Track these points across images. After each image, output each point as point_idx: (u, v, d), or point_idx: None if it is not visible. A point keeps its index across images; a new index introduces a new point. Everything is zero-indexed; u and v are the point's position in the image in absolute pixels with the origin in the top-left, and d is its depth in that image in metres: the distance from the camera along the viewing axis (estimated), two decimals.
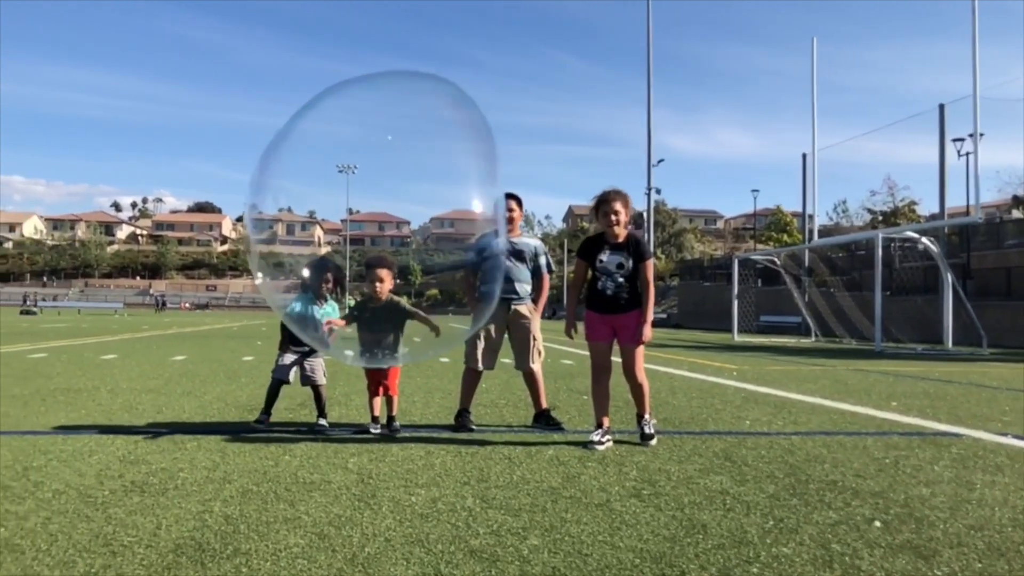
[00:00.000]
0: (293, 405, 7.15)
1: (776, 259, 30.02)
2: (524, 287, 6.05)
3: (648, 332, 5.25)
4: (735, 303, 27.06)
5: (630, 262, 5.25)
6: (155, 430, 5.70)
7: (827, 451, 5.25)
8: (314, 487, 4.02)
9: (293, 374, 5.92)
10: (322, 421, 5.86)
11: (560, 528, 3.35)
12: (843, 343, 24.57)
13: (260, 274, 5.31)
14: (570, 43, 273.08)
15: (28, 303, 67.64)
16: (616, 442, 5.37)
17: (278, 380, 5.88)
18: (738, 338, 26.20)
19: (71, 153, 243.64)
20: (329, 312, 5.72)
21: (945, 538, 3.31)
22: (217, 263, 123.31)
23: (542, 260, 6.13)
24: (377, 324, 5.53)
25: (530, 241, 6.13)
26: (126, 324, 33.92)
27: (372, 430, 5.66)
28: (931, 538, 3.30)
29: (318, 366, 5.96)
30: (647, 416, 5.38)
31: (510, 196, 6.08)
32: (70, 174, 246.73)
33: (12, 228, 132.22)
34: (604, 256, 5.27)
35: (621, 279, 5.25)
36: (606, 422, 5.36)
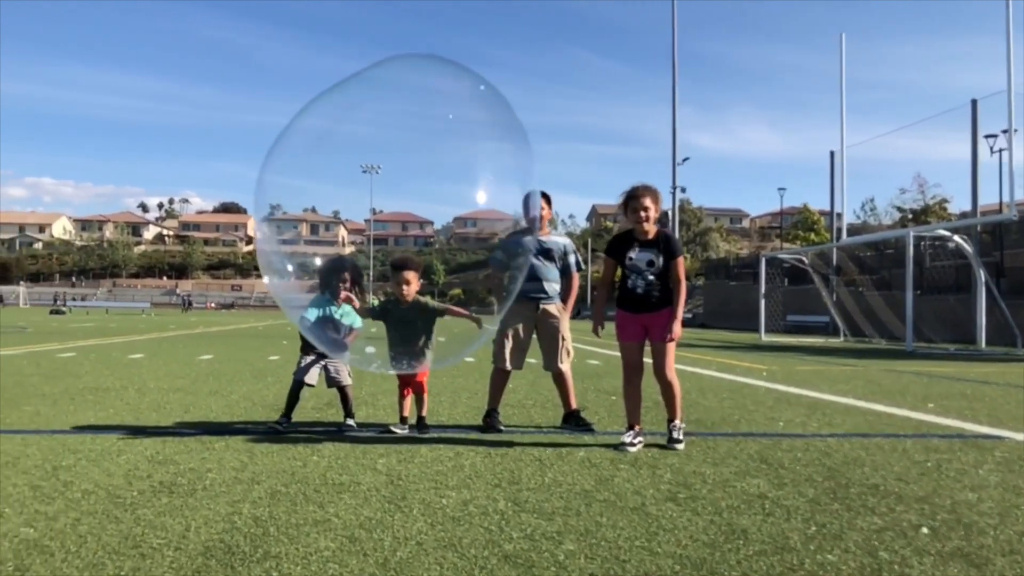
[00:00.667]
0: (320, 404, 7.12)
1: (804, 258, 29.65)
2: (553, 286, 5.97)
3: (678, 329, 5.14)
4: (762, 302, 26.78)
5: (660, 259, 5.14)
6: (183, 430, 5.68)
7: (865, 454, 5.12)
8: (343, 488, 3.96)
9: (316, 376, 5.86)
10: (349, 421, 5.81)
11: (596, 533, 3.26)
12: (873, 343, 24.22)
13: (267, 277, 5.32)
14: (593, 41, 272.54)
15: (58, 303, 68.58)
16: (647, 444, 5.27)
17: (298, 382, 5.82)
18: (765, 338, 25.93)
19: (99, 155, 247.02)
20: (347, 311, 5.64)
21: (996, 545, 3.18)
22: (242, 263, 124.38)
23: (571, 259, 6.04)
24: (405, 327, 5.41)
25: (559, 240, 6.04)
26: (153, 324, 34.24)
27: (395, 430, 5.59)
28: (982, 545, 3.17)
29: (342, 367, 5.89)
30: (677, 421, 5.26)
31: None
32: (98, 175, 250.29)
33: (42, 229, 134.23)
34: (634, 253, 5.17)
35: (651, 277, 5.14)
36: (638, 423, 5.26)
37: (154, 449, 4.88)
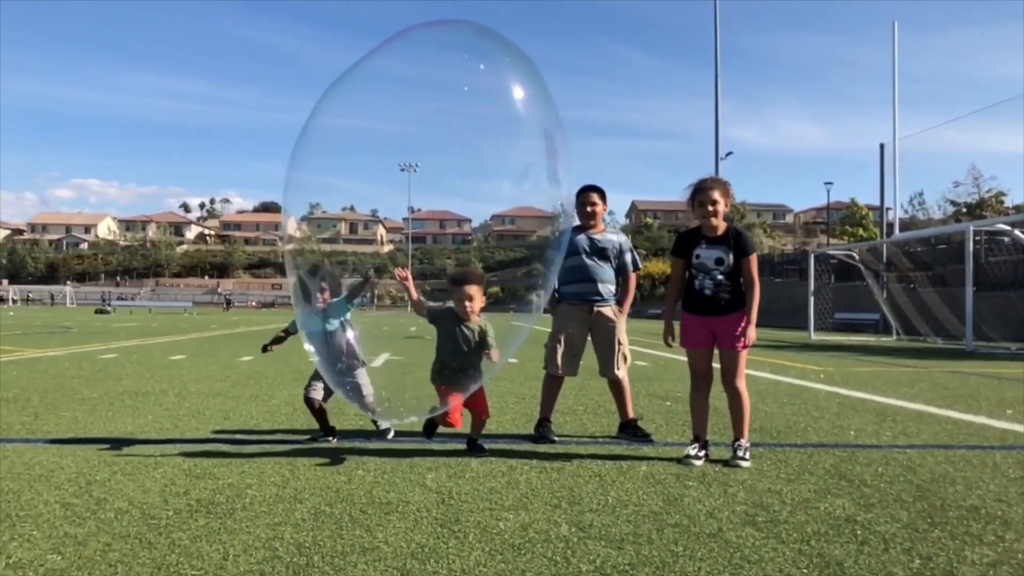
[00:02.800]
0: None
1: (855, 254, 28.80)
2: (608, 287, 5.61)
3: (752, 334, 4.76)
4: (811, 300, 26.06)
5: (730, 257, 4.76)
6: (222, 438, 5.45)
7: (953, 469, 4.70)
8: (391, 509, 3.66)
9: (323, 390, 5.41)
10: (382, 424, 5.57)
11: (673, 565, 2.93)
12: (928, 342, 23.39)
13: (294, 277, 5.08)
14: (633, 37, 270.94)
15: (104, 302, 69.78)
16: (711, 459, 4.90)
17: (307, 400, 5.46)
18: (815, 336, 25.19)
19: (143, 156, 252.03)
20: (334, 321, 5.28)
21: None
22: (282, 262, 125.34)
23: (627, 257, 5.67)
24: (461, 342, 4.75)
25: (613, 237, 5.68)
26: (195, 323, 34.49)
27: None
28: None
29: (361, 378, 5.31)
30: (743, 440, 4.86)
31: (592, 189, 5.66)
32: (142, 176, 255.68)
33: (87, 229, 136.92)
34: (701, 251, 4.79)
35: (720, 276, 4.76)
36: (704, 436, 4.90)
37: (192, 461, 4.64)
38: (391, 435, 5.57)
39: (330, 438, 5.47)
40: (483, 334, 4.76)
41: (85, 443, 5.24)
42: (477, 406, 5.00)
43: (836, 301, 30.98)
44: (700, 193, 4.76)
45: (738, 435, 4.87)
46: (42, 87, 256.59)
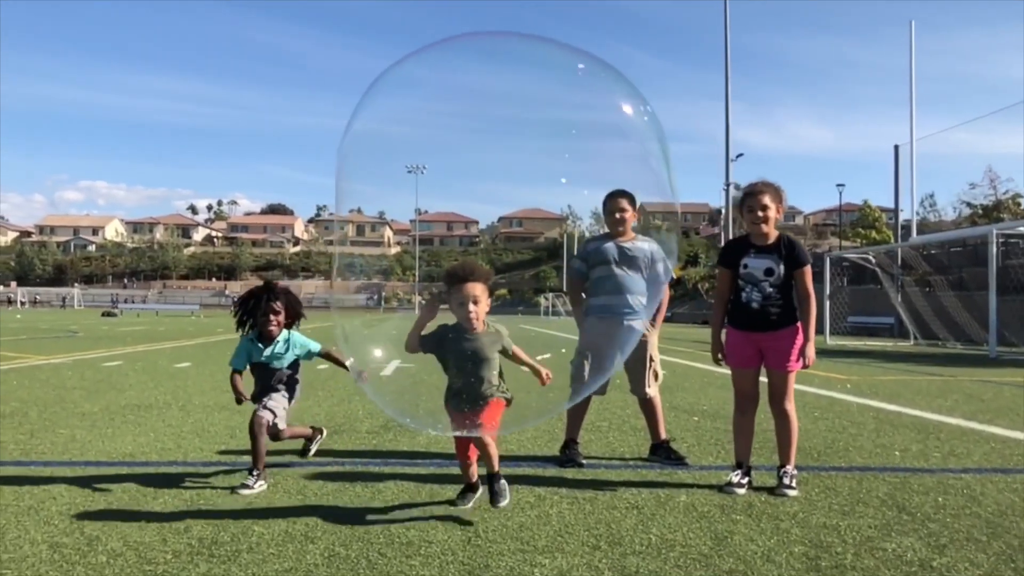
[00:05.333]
0: (376, 427, 6.52)
1: (871, 257, 28.31)
2: (639, 299, 5.22)
3: (812, 353, 4.38)
4: (827, 304, 25.58)
5: (781, 267, 4.38)
6: (227, 461, 5.10)
7: (1019, 499, 4.32)
8: (413, 551, 3.31)
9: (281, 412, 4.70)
10: (248, 482, 4.29)
11: None
12: (947, 347, 22.93)
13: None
14: (641, 39, 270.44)
15: (114, 304, 69.66)
16: (754, 486, 4.53)
17: (272, 434, 4.70)
18: (830, 341, 24.73)
19: (151, 158, 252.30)
20: (280, 350, 4.66)
21: None
22: (290, 264, 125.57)
23: (660, 267, 5.28)
24: (470, 363, 3.81)
25: (645, 245, 5.29)
26: (202, 327, 34.22)
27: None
28: None
29: (278, 407, 4.66)
30: (789, 467, 4.49)
31: (621, 194, 5.27)
32: (150, 179, 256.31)
33: (95, 231, 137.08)
34: (749, 260, 4.41)
35: (770, 289, 4.39)
36: (747, 461, 4.53)
37: (194, 490, 4.29)
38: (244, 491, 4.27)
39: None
40: (497, 337, 3.88)
41: (81, 466, 4.90)
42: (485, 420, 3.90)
43: (850, 304, 30.51)
44: (749, 198, 4.38)
45: (784, 461, 4.50)
46: (51, 89, 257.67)
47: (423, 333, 3.82)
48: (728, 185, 33.24)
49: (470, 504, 3.98)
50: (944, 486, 4.62)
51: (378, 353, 4.22)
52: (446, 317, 3.88)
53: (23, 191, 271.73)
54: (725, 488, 4.40)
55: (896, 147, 30.49)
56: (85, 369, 11.81)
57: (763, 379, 4.60)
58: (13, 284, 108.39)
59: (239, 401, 4.73)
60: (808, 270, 4.41)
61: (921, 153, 29.89)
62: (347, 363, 4.17)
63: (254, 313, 4.68)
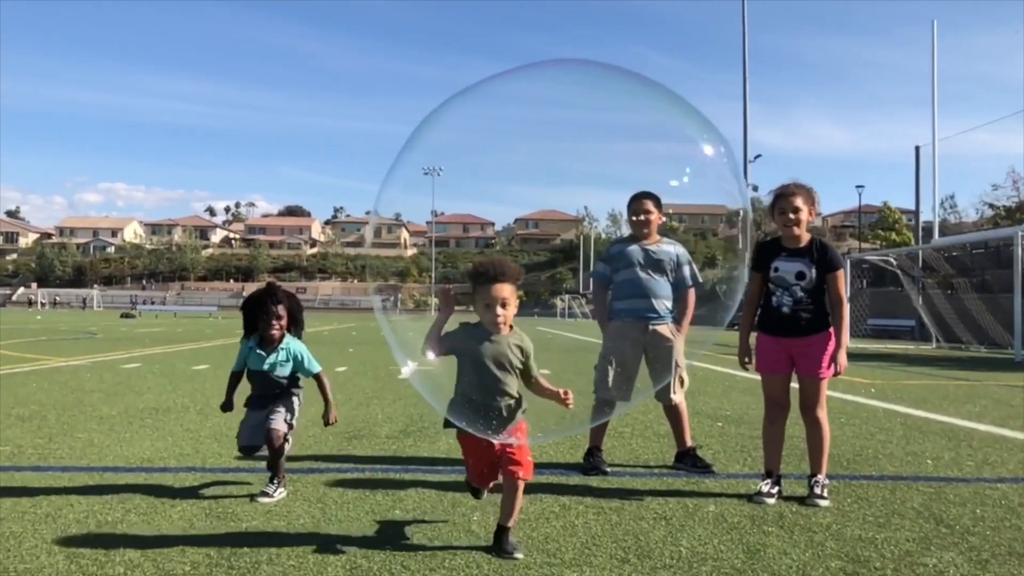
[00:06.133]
0: (395, 432, 6.44)
1: (892, 259, 27.99)
2: (664, 304, 5.12)
3: (844, 360, 4.27)
4: (847, 306, 25.35)
5: (813, 271, 4.25)
6: (246, 467, 5.03)
7: None
8: (436, 562, 3.22)
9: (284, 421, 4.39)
10: (268, 491, 4.23)
11: None
12: (971, 350, 22.61)
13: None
14: (655, 38, 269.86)
15: (134, 306, 70.17)
16: (784, 496, 4.41)
17: (245, 455, 4.51)
18: (851, 344, 24.48)
19: (169, 160, 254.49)
20: (283, 359, 4.42)
21: None
22: (307, 265, 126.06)
23: (686, 271, 5.17)
24: (492, 369, 3.32)
25: (670, 248, 5.18)
26: (220, 328, 34.28)
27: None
28: None
29: (279, 410, 4.39)
30: (821, 476, 4.37)
31: (645, 196, 5.17)
32: (168, 180, 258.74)
33: (114, 233, 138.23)
34: (780, 263, 4.29)
35: (801, 293, 4.26)
36: (777, 470, 4.42)
37: (213, 499, 4.22)
38: (270, 500, 4.18)
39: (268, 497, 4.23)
40: (521, 346, 3.39)
41: (99, 471, 4.85)
42: (520, 459, 3.41)
43: (870, 307, 30.21)
44: (781, 200, 4.27)
45: (815, 470, 4.38)
46: (71, 92, 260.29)
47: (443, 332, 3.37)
48: (746, 186, 32.99)
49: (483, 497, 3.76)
50: (980, 497, 4.48)
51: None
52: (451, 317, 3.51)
53: (44, 193, 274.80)
54: (755, 498, 4.28)
55: (917, 148, 30.19)
56: (104, 371, 11.81)
57: (793, 385, 4.49)
58: (34, 285, 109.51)
59: (225, 406, 4.55)
60: (841, 274, 4.30)
61: (941, 154, 29.58)
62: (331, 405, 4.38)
63: (256, 317, 4.49)
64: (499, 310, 3.30)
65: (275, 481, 4.27)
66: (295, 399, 4.52)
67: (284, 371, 4.47)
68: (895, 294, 30.99)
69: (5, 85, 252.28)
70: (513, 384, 3.36)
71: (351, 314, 76.82)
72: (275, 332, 4.44)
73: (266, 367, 4.43)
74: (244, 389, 4.58)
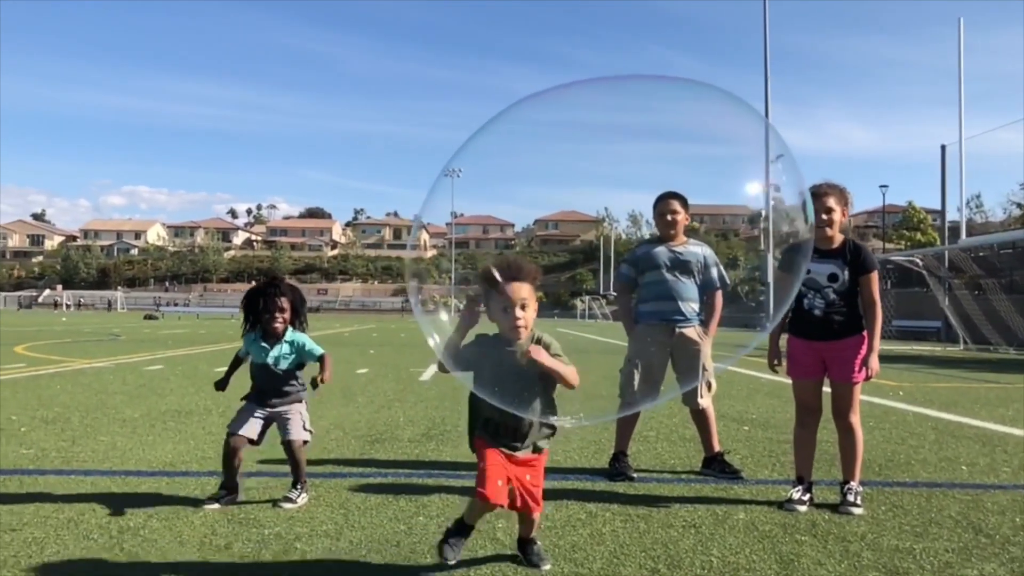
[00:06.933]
0: (417, 435, 6.39)
1: (918, 259, 27.61)
2: (691, 306, 5.02)
3: (875, 364, 4.16)
4: (880, 309, 25.01)
5: (846, 273, 4.15)
6: (267, 471, 4.99)
7: None
8: (461, 572, 3.15)
9: (257, 429, 4.29)
10: (287, 504, 4.10)
11: None
12: (999, 352, 22.26)
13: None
14: (673, 38, 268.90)
15: (157, 307, 70.79)
16: (816, 503, 4.30)
17: (232, 436, 4.23)
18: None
19: (192, 163, 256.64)
20: (286, 352, 4.34)
21: None
22: (328, 267, 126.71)
23: (713, 272, 5.07)
24: (512, 381, 2.95)
25: (697, 249, 5.08)
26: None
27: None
28: None
29: (294, 415, 4.35)
30: (854, 484, 4.25)
31: (672, 196, 5.08)
32: (190, 183, 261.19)
33: (138, 235, 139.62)
34: (811, 265, 4.19)
35: (834, 296, 4.16)
36: (808, 477, 4.31)
37: (235, 504, 4.17)
38: (294, 506, 4.13)
39: (218, 501, 4.10)
40: (544, 349, 3.01)
41: (121, 475, 4.82)
42: (527, 489, 3.11)
43: (895, 308, 29.83)
44: (813, 200, 4.16)
45: (848, 477, 4.26)
46: (95, 96, 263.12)
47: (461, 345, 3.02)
48: (768, 187, 32.68)
49: (458, 554, 3.17)
50: (1020, 505, 4.35)
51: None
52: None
53: (69, 196, 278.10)
54: (786, 505, 4.18)
55: (943, 147, 29.75)
56: (127, 373, 11.86)
57: (824, 390, 4.39)
58: (59, 287, 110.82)
59: (219, 384, 4.48)
60: (875, 276, 4.19)
61: (967, 153, 29.12)
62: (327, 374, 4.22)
63: (259, 310, 4.37)
64: (518, 312, 2.97)
65: (298, 487, 4.23)
66: (303, 404, 4.44)
67: (287, 364, 4.38)
68: (921, 295, 30.58)
69: (33, 89, 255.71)
70: (538, 400, 3.03)
71: (371, 315, 77.03)
72: (278, 325, 4.35)
73: (269, 360, 4.34)
74: (243, 387, 4.49)
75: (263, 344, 4.38)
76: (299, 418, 4.34)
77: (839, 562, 3.32)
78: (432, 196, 3.43)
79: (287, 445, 4.24)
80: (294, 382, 4.43)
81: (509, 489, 3.05)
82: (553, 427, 3.15)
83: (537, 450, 3.14)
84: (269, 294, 4.37)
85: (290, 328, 4.43)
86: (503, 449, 3.05)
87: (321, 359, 4.43)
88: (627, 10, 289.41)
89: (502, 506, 3.03)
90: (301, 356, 4.43)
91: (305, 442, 4.30)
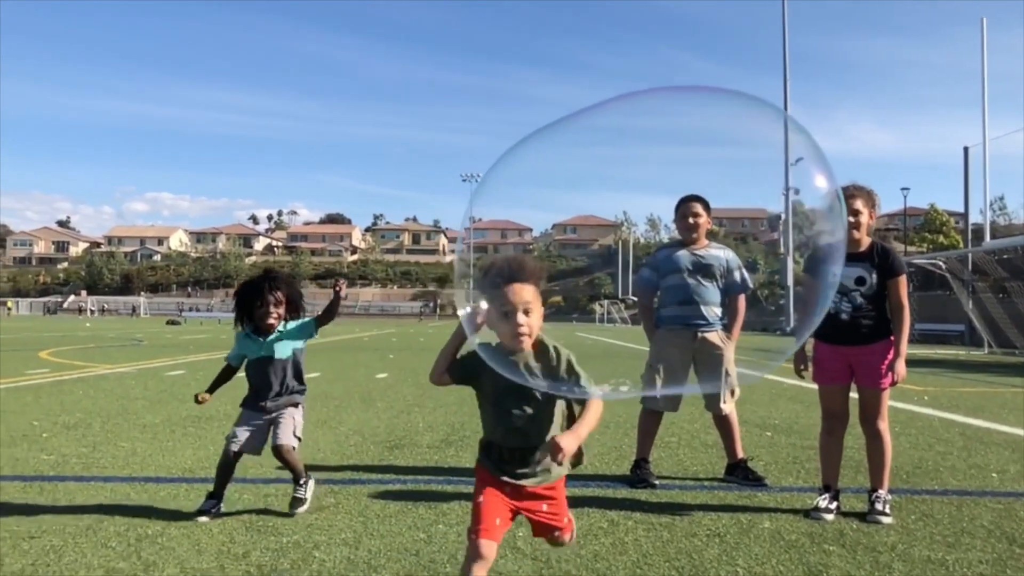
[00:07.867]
0: (436, 441, 6.34)
1: (941, 262, 27.28)
2: (713, 310, 4.95)
3: (902, 369, 4.07)
4: (908, 313, 24.72)
5: (873, 277, 4.07)
6: (287, 477, 4.92)
7: None
8: None
9: (247, 439, 4.21)
10: (298, 494, 4.10)
11: None
12: None
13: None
14: (691, 41, 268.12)
15: (181, 312, 71.32)
16: (842, 511, 4.21)
17: (231, 453, 4.16)
18: None
19: (214, 169, 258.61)
20: (278, 337, 4.14)
21: None
22: (347, 272, 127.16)
23: (736, 276, 5.00)
24: (515, 399, 2.51)
25: (719, 253, 5.02)
26: None
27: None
28: None
29: (286, 418, 4.20)
30: (882, 492, 4.16)
31: (694, 199, 5.01)
32: (212, 190, 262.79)
33: (160, 242, 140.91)
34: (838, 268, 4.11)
35: (861, 300, 4.08)
36: (835, 485, 4.22)
37: (253, 511, 4.15)
38: (304, 502, 4.12)
39: (207, 513, 3.99)
40: (552, 357, 2.53)
41: (141, 482, 4.82)
42: (558, 527, 2.65)
43: (918, 311, 29.49)
44: None
45: (876, 485, 4.17)
46: (117, 104, 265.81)
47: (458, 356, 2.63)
48: (787, 190, 32.46)
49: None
50: None
51: None
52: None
53: (93, 203, 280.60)
54: (812, 513, 4.09)
55: (966, 149, 29.37)
56: (148, 379, 11.92)
57: (852, 395, 4.30)
58: (83, 293, 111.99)
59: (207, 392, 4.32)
60: (903, 280, 4.10)
61: (990, 154, 28.74)
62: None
63: (252, 305, 4.15)
64: (520, 318, 2.45)
65: (301, 483, 4.16)
66: (299, 409, 4.31)
67: (285, 351, 4.20)
68: (944, 298, 30.21)
69: (57, 98, 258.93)
70: (545, 422, 2.54)
71: (391, 320, 77.22)
72: (272, 321, 4.14)
73: (264, 353, 4.16)
74: (240, 389, 4.44)
75: (257, 338, 4.19)
76: (291, 422, 4.20)
77: (869, 573, 3.24)
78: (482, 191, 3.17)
79: (275, 450, 4.14)
80: (295, 381, 4.29)
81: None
82: (580, 455, 2.58)
83: (552, 477, 2.59)
84: (263, 287, 4.16)
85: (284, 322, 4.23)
86: (507, 479, 2.53)
87: (320, 318, 4.29)
88: (643, 13, 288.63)
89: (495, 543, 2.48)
90: (297, 336, 4.23)
91: (293, 447, 4.18)
